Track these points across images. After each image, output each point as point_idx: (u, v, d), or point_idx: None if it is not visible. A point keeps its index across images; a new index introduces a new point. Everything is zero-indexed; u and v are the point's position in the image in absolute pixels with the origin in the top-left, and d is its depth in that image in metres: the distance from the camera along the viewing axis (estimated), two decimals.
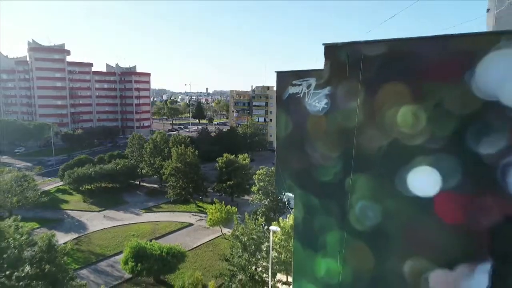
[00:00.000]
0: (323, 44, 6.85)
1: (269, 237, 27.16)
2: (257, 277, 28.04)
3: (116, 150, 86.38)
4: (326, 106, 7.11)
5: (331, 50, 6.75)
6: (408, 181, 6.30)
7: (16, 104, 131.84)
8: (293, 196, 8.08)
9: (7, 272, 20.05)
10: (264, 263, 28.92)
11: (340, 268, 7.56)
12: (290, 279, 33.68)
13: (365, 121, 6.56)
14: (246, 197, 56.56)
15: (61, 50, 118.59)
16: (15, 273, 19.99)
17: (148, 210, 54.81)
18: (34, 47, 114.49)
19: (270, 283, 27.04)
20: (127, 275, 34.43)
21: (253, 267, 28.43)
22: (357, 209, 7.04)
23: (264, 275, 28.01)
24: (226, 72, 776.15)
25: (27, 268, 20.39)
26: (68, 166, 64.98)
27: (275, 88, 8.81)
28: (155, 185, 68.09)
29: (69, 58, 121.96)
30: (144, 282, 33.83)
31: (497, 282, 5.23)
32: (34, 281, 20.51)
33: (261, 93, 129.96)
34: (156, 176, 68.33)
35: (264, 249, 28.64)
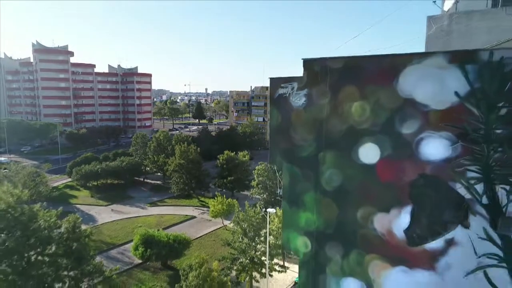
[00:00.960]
0: (302, 58, 10.06)
1: (268, 224, 30.07)
2: (256, 260, 31.00)
3: (119, 149, 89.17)
4: (304, 102, 10.33)
5: (307, 62, 9.96)
6: (359, 153, 9.57)
7: (21, 104, 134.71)
8: (282, 168, 11.16)
9: (38, 250, 22.98)
10: (263, 248, 31.82)
11: (315, 218, 10.73)
12: (286, 264, 36.72)
13: (331, 113, 9.82)
14: (245, 192, 59.39)
15: (65, 51, 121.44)
16: (45, 250, 22.94)
17: (153, 204, 57.79)
18: (39, 49, 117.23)
19: (268, 263, 30.04)
20: (137, 261, 37.38)
21: (253, 251, 31.37)
22: (326, 175, 10.27)
23: (263, 258, 30.93)
24: (226, 73, 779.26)
25: (54, 246, 23.33)
26: (75, 163, 67.95)
27: None
28: (159, 182, 71.02)
29: (72, 59, 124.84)
30: (152, 267, 36.79)
31: (414, 219, 8.51)
32: (62, 258, 23.50)
33: (260, 93, 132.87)
34: (159, 173, 71.27)
35: (263, 234, 31.57)
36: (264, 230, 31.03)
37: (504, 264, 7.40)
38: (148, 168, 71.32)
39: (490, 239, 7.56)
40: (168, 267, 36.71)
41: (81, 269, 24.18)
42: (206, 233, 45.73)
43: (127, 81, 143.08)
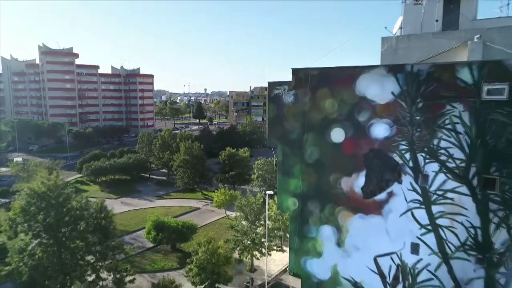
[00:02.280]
0: (291, 68, 14.33)
1: (267, 205, 33.96)
2: (256, 241, 35.00)
3: (123, 147, 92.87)
4: (293, 100, 14.62)
5: (295, 71, 14.25)
6: (331, 135, 13.84)
7: (27, 104, 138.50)
8: (277, 148, 15.31)
9: (71, 227, 26.82)
10: (262, 231, 35.76)
11: (300, 183, 14.91)
12: (284, 247, 40.67)
13: (312, 107, 14.12)
14: (246, 186, 63.21)
15: (71, 53, 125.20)
16: (78, 227, 26.79)
17: (160, 197, 61.74)
18: (45, 51, 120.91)
19: (266, 244, 34.03)
20: (149, 245, 41.33)
21: (253, 233, 35.35)
22: (308, 151, 14.54)
23: (263, 239, 34.90)
24: (225, 73, 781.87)
25: (84, 224, 27.20)
26: (85, 160, 71.91)
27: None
28: (163, 177, 74.93)
29: (76, 61, 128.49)
30: (163, 249, 40.71)
31: (367, 180, 12.68)
32: (91, 234, 27.42)
33: (259, 93, 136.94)
34: (164, 170, 75.22)
35: (262, 218, 35.56)
36: (264, 214, 34.99)
37: (423, 206, 12.19)
38: (153, 165, 75.23)
39: (414, 190, 12.29)
40: (177, 250, 40.64)
41: (106, 244, 28.08)
42: (210, 222, 49.69)
43: (130, 82, 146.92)
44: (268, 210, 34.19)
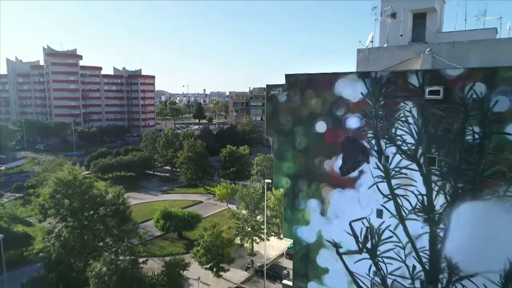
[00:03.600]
0: (285, 74, 18.13)
1: (266, 195, 37.57)
2: (256, 227, 38.63)
3: (126, 146, 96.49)
4: (286, 99, 18.39)
5: (287, 76, 18.05)
6: (315, 127, 17.71)
7: (31, 105, 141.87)
8: (274, 138, 18.98)
9: (91, 212, 30.27)
10: (261, 219, 39.40)
11: (292, 166, 18.62)
12: (281, 235, 44.29)
13: (300, 105, 17.94)
14: (245, 182, 66.85)
15: (75, 55, 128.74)
16: (98, 211, 30.28)
17: (164, 192, 65.42)
18: (50, 53, 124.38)
19: (265, 230, 37.66)
20: (157, 233, 44.94)
21: (253, 221, 38.98)
22: (298, 140, 18.34)
23: (262, 226, 38.53)
24: (223, 73, 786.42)
25: (103, 209, 30.68)
26: (92, 158, 75.48)
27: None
28: (167, 174, 78.59)
29: (79, 62, 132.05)
30: (170, 237, 44.32)
31: (344, 161, 16.53)
32: (111, 218, 30.92)
33: (258, 94, 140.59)
34: (168, 167, 78.89)
35: (261, 207, 39.17)
36: (262, 204, 38.63)
37: (385, 180, 16.25)
38: (157, 163, 78.90)
39: (378, 168, 16.31)
40: (183, 237, 44.25)
41: (122, 228, 31.59)
42: (213, 213, 53.34)
43: (132, 82, 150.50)
44: (266, 201, 37.82)
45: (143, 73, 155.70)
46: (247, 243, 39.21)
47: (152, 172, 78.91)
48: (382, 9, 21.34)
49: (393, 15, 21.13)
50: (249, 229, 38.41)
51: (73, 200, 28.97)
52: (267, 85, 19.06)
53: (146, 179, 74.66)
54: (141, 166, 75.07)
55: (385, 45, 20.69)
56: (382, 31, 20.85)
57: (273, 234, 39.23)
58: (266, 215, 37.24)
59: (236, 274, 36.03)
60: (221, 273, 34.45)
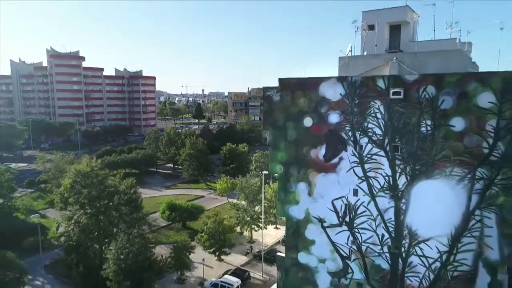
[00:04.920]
0: (278, 78, 21.84)
1: (264, 192, 41.05)
2: (254, 217, 42.13)
3: (128, 145, 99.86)
4: (279, 99, 22.14)
5: (281, 80, 21.82)
6: (304, 122, 21.50)
7: (35, 105, 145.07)
8: (269, 131, 22.54)
9: (106, 201, 33.66)
10: (259, 210, 42.86)
11: (285, 154, 22.28)
12: (279, 226, 47.79)
13: (291, 103, 21.72)
14: (245, 178, 70.35)
15: (77, 56, 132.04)
16: (113, 200, 33.69)
17: (168, 187, 68.88)
18: (54, 55, 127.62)
19: (263, 219, 41.15)
20: (163, 224, 48.38)
21: (252, 211, 42.49)
22: (289, 133, 22.09)
23: (260, 216, 41.98)
24: (222, 74, 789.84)
25: (117, 198, 34.07)
26: (98, 155, 78.70)
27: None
28: (169, 171, 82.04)
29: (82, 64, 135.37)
30: (175, 227, 47.76)
31: (327, 149, 20.23)
32: (124, 206, 34.34)
33: (256, 94, 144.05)
34: (170, 164, 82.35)
35: (259, 198, 42.67)
36: (260, 195, 42.11)
37: (359, 165, 20.32)
38: (160, 160, 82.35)
39: (354, 155, 20.34)
40: (187, 227, 47.72)
41: (134, 216, 35.03)
42: (214, 206, 56.76)
43: (133, 83, 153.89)
44: (264, 193, 41.32)
45: (144, 74, 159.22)
46: (246, 231, 42.67)
47: (155, 170, 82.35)
48: (362, 22, 24.99)
49: (371, 27, 24.75)
50: (248, 218, 41.87)
51: (91, 189, 32.38)
52: (263, 87, 22.61)
53: (149, 175, 78.04)
54: (144, 163, 78.48)
55: (365, 53, 24.30)
56: (363, 41, 24.44)
57: (270, 223, 42.72)
58: (264, 206, 40.69)
59: (237, 259, 39.45)
60: (223, 256, 37.94)
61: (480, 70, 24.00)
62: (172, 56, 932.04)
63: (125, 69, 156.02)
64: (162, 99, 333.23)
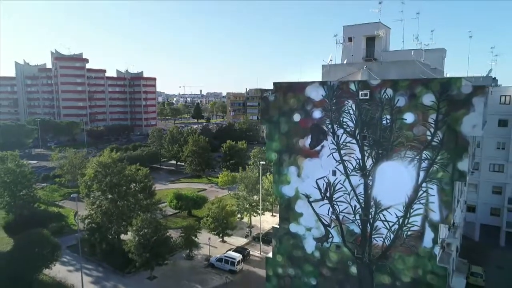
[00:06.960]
0: (273, 82, 27.27)
1: (262, 183, 46.05)
2: (254, 204, 47.20)
3: (131, 143, 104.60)
4: (274, 99, 27.55)
5: (275, 84, 27.22)
6: (293, 117, 26.93)
7: (39, 106, 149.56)
8: (266, 125, 27.79)
9: (124, 188, 38.57)
10: (257, 198, 47.85)
11: (278, 144, 27.62)
12: (275, 214, 52.80)
13: (283, 103, 27.20)
14: (244, 172, 75.39)
15: (81, 59, 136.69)
16: (130, 187, 38.58)
17: (172, 182, 73.80)
18: (58, 57, 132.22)
19: (261, 206, 46.22)
20: (170, 212, 53.37)
21: (251, 199, 47.52)
22: (282, 127, 27.51)
23: (258, 204, 47.00)
24: (220, 74, 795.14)
25: (134, 186, 38.96)
26: None
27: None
28: (172, 168, 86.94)
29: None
30: (181, 216, 52.73)
31: (312, 139, 25.49)
32: (140, 193, 39.28)
33: (254, 94, 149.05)
34: (173, 161, 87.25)
35: (257, 188, 47.70)
36: (258, 185, 47.15)
37: (337, 152, 26.10)
38: (163, 158, 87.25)
39: (333, 143, 26.31)
40: (192, 215, 52.74)
41: (147, 202, 39.99)
42: (216, 197, 61.88)
43: (134, 84, 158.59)
44: (261, 183, 46.34)
45: (145, 75, 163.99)
46: (246, 217, 47.69)
47: (159, 166, 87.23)
48: (344, 34, 30.19)
49: (350, 39, 29.95)
50: (248, 205, 46.88)
51: (111, 177, 37.29)
52: (261, 89, 27.71)
53: (153, 172, 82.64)
54: (149, 160, 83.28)
55: (345, 61, 29.53)
56: (345, 50, 29.66)
57: (268, 210, 47.71)
58: (262, 194, 45.73)
59: (238, 240, 44.42)
60: (226, 238, 42.97)
61: (452, 71, 29.20)
62: (170, 57, 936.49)
63: (126, 71, 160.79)
64: (160, 99, 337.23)
